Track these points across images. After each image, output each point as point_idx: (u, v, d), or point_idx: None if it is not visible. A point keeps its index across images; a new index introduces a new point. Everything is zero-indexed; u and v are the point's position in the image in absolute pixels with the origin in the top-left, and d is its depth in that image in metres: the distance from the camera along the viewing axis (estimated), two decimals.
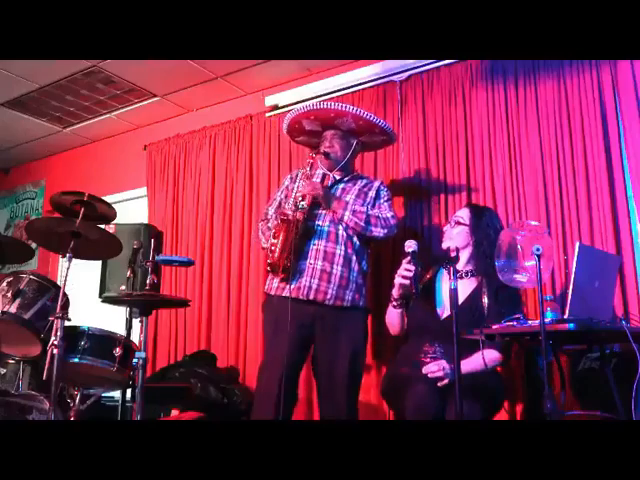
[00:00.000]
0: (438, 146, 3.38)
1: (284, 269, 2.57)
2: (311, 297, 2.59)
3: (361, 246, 2.74)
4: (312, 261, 2.61)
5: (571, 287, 1.99)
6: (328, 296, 2.60)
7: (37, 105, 4.55)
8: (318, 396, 2.73)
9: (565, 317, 1.98)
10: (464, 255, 2.53)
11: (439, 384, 2.20)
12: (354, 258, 2.68)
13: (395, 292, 2.50)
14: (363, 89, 3.69)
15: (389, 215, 2.76)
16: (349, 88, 3.71)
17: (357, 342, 2.66)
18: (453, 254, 2.41)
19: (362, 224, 2.67)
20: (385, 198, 2.86)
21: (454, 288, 2.06)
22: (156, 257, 2.71)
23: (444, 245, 2.56)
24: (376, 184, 2.90)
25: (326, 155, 2.79)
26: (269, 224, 2.79)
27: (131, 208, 4.70)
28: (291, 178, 2.92)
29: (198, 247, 4.19)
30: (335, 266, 2.63)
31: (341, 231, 2.68)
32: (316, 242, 2.65)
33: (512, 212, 3.07)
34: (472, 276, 2.50)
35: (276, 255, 2.56)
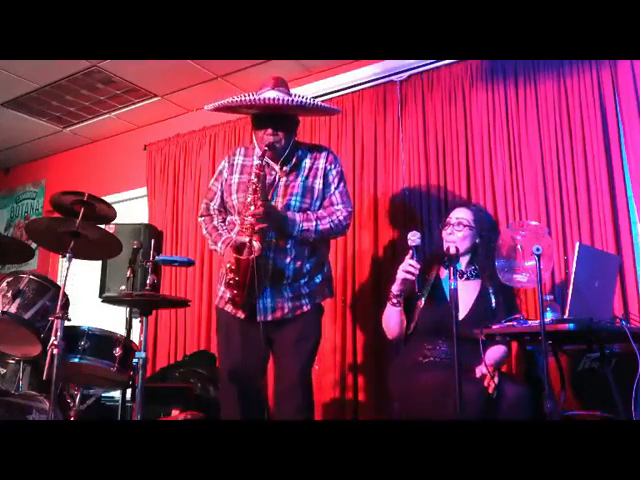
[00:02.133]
0: (438, 146, 3.38)
1: (246, 303, 2.40)
2: (269, 318, 2.41)
3: (315, 250, 2.51)
4: (264, 280, 2.38)
5: (571, 287, 1.99)
6: (286, 310, 2.43)
7: (37, 105, 4.55)
8: (274, 398, 2.51)
9: (565, 317, 1.98)
10: (466, 256, 2.52)
11: (490, 390, 2.13)
12: (307, 266, 2.48)
13: (396, 288, 2.39)
14: (363, 89, 3.69)
15: (341, 217, 2.49)
16: (349, 88, 3.71)
17: (314, 343, 2.50)
18: (453, 254, 2.37)
19: (313, 237, 2.45)
20: (336, 183, 2.53)
21: (454, 288, 2.06)
22: (156, 257, 2.70)
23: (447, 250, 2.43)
24: (321, 164, 2.52)
25: (271, 147, 2.43)
26: (214, 222, 2.59)
27: (131, 208, 4.71)
28: (229, 166, 2.61)
29: (198, 247, 4.19)
30: (290, 280, 2.43)
31: (289, 245, 2.43)
32: (270, 260, 2.40)
33: (512, 212, 3.08)
34: (477, 277, 2.50)
35: (235, 291, 2.36)
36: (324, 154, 2.57)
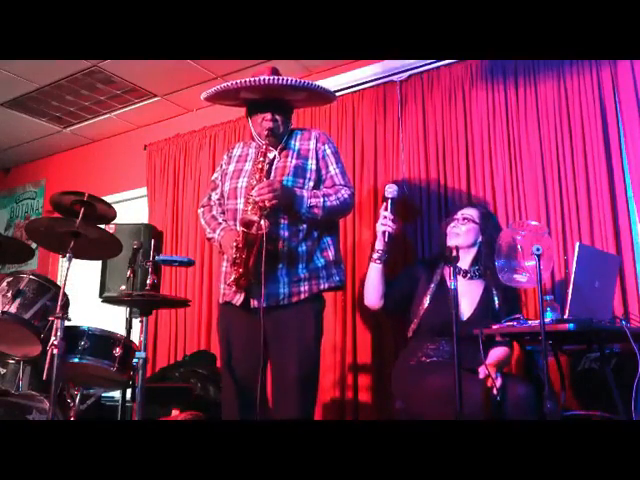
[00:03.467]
0: (438, 146, 3.38)
1: (249, 284, 2.32)
2: (263, 305, 2.28)
3: (322, 231, 2.45)
4: (265, 264, 2.26)
5: (571, 287, 1.99)
6: (281, 297, 2.34)
7: (37, 105, 4.55)
8: (272, 397, 2.41)
9: (565, 317, 1.98)
10: (470, 255, 2.51)
11: (494, 391, 2.12)
12: (304, 247, 2.39)
13: (380, 244, 2.36)
14: (363, 89, 3.69)
15: (347, 195, 2.43)
16: (349, 88, 3.71)
17: (306, 339, 2.36)
18: (453, 254, 2.36)
19: (321, 214, 2.37)
20: (333, 164, 2.49)
21: (454, 288, 2.06)
22: (156, 257, 2.70)
23: (450, 243, 2.45)
24: (312, 145, 2.50)
25: (272, 132, 2.42)
26: (213, 212, 2.57)
27: (131, 208, 4.71)
28: (227, 158, 2.63)
29: (198, 247, 4.19)
30: (294, 263, 2.36)
31: (301, 226, 2.38)
32: (278, 244, 2.34)
33: (512, 212, 3.08)
34: (480, 276, 2.50)
35: (241, 270, 2.29)
36: (315, 134, 2.55)
